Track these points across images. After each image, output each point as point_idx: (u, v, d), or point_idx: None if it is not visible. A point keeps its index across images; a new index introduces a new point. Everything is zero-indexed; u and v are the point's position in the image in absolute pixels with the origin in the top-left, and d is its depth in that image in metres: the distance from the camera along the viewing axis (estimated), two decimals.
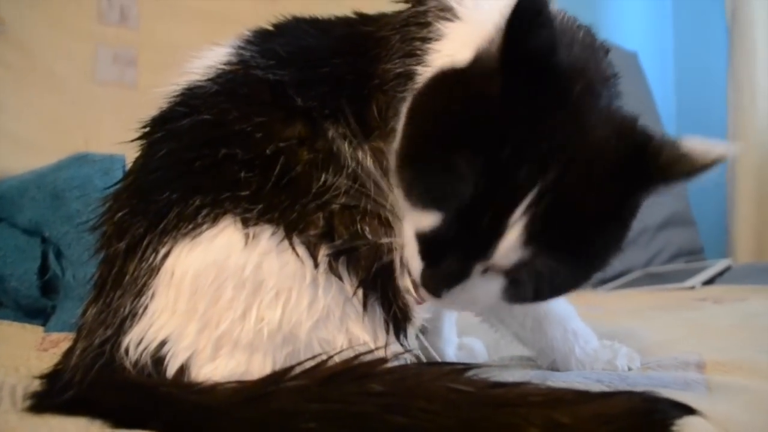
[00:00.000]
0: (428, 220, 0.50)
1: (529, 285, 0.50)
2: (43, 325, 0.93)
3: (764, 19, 2.25)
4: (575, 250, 0.49)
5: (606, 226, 0.51)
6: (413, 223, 0.52)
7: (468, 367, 0.48)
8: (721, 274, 1.86)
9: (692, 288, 1.70)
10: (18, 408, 0.53)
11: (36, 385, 0.54)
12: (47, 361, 0.67)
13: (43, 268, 0.95)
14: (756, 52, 2.25)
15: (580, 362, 0.74)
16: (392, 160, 0.54)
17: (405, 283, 0.55)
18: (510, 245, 0.47)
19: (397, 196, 0.56)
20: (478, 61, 0.50)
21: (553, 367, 0.75)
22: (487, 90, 0.48)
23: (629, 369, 0.74)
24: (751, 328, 0.98)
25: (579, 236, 0.49)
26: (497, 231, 0.47)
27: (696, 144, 0.51)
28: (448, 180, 0.48)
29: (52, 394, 0.52)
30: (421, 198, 0.50)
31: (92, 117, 1.52)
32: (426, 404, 0.45)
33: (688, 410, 0.46)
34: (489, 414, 0.45)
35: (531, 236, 0.47)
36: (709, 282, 1.78)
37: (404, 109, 0.55)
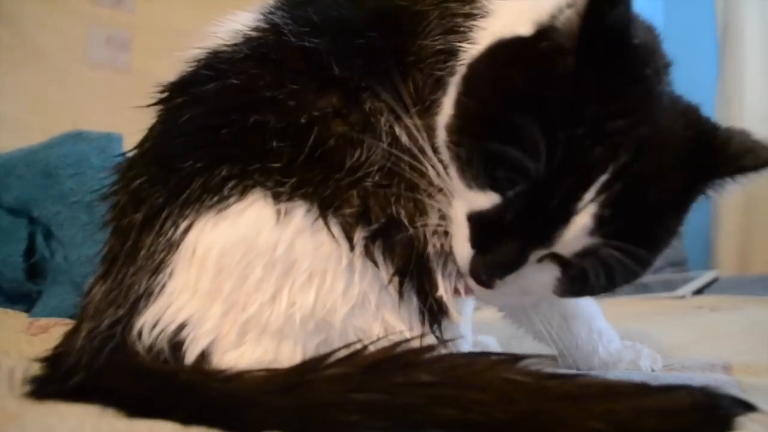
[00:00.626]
0: (484, 200, 0.47)
1: (585, 277, 0.48)
2: (27, 311, 0.87)
3: (755, 34, 2.28)
4: (639, 241, 0.46)
5: (669, 217, 0.49)
6: (466, 203, 0.49)
7: (520, 357, 0.44)
8: (708, 285, 1.88)
9: (682, 297, 1.71)
10: (17, 393, 0.47)
11: (36, 368, 0.49)
12: (39, 346, 0.62)
13: (30, 251, 0.90)
14: (746, 65, 2.28)
15: (604, 362, 0.72)
16: (441, 135, 0.51)
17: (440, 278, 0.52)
18: (577, 232, 0.45)
19: (440, 176, 0.52)
20: (546, 35, 0.47)
21: (575, 366, 0.72)
22: (560, 65, 0.46)
23: (652, 370, 0.72)
24: (760, 333, 0.98)
25: (644, 226, 0.47)
26: (564, 216, 0.45)
27: (763, 136, 0.49)
28: (512, 157, 0.45)
29: (56, 379, 0.47)
30: (479, 176, 0.47)
31: (82, 99, 1.47)
32: (479, 395, 0.41)
33: (749, 407, 0.43)
34: (547, 406, 0.41)
35: (599, 223, 0.45)
36: (698, 292, 1.80)
37: (456, 80, 0.51)
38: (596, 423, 0.40)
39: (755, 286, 1.72)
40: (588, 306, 0.71)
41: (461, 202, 0.49)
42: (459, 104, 0.50)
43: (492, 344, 0.83)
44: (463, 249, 0.49)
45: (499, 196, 0.47)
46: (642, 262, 0.48)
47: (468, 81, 0.50)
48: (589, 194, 0.44)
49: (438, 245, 0.52)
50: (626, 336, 0.77)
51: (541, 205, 0.45)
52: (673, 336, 0.92)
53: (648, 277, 2.00)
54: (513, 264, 0.47)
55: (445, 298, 0.51)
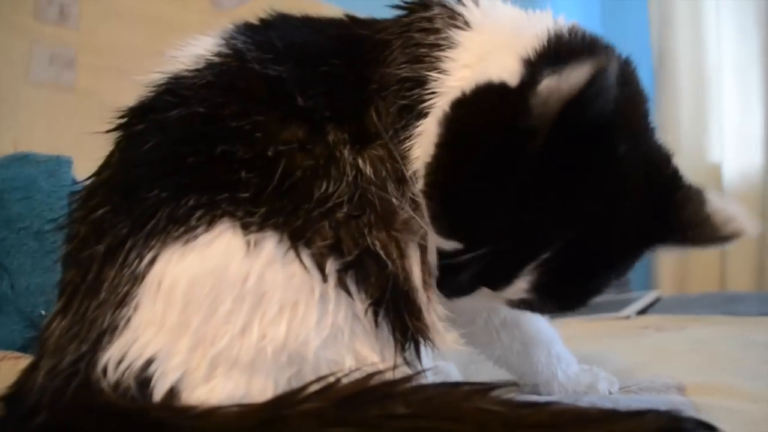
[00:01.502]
0: (449, 245, 0.53)
1: (527, 308, 0.58)
2: None
3: (688, 63, 2.41)
4: (573, 295, 0.56)
5: (610, 275, 0.56)
6: (435, 241, 0.54)
7: (493, 386, 0.45)
8: (651, 305, 1.95)
9: (627, 317, 1.77)
10: None
11: None
12: None
13: None
14: (680, 93, 2.41)
15: (563, 386, 0.74)
16: (419, 171, 0.54)
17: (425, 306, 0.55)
18: (516, 290, 0.53)
19: (405, 209, 0.53)
20: (525, 102, 0.48)
21: (535, 391, 0.74)
22: (531, 142, 0.48)
23: (610, 392, 0.74)
24: (708, 352, 1.01)
25: (582, 284, 0.55)
26: (507, 279, 0.53)
27: (719, 206, 0.54)
28: (473, 224, 0.51)
29: (16, 420, 0.45)
30: (446, 229, 0.53)
31: (24, 119, 1.42)
32: (456, 426, 0.42)
33: (710, 428, 0.45)
34: None
35: (536, 285, 0.53)
36: (642, 312, 1.86)
37: (438, 115, 0.53)
38: None
39: (695, 305, 1.79)
40: (546, 331, 0.73)
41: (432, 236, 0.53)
42: (436, 156, 0.53)
43: (452, 370, 0.83)
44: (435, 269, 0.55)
45: (462, 246, 0.53)
46: (577, 305, 0.57)
47: (450, 123, 0.53)
48: (530, 267, 0.52)
49: (421, 275, 0.54)
50: (581, 358, 0.79)
51: (490, 265, 0.52)
52: (626, 357, 0.95)
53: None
54: (466, 292, 0.55)
55: (430, 325, 0.53)
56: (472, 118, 0.53)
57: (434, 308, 0.55)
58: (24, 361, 0.67)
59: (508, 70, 0.52)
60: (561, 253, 0.51)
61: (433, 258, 0.55)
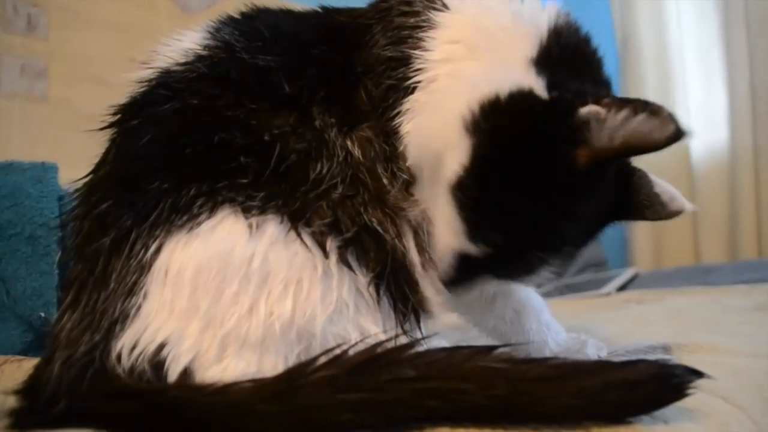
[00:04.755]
0: (476, 250, 0.58)
1: None
2: None
3: (651, 47, 2.48)
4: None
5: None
6: (455, 240, 0.58)
7: (494, 347, 0.47)
8: (630, 281, 2.00)
9: (608, 294, 1.81)
10: None
11: (11, 402, 0.47)
12: None
13: None
14: (645, 76, 2.48)
15: (553, 352, 0.76)
16: (409, 146, 0.57)
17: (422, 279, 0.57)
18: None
19: (396, 186, 0.56)
20: (567, 120, 0.53)
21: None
22: (578, 159, 0.54)
23: (599, 357, 0.77)
24: (686, 318, 1.05)
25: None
26: (537, 271, 0.61)
27: (663, 187, 0.64)
28: (512, 230, 0.57)
29: (38, 409, 0.46)
30: (482, 237, 0.57)
31: None
32: (462, 384, 0.44)
33: (699, 374, 0.48)
34: (524, 388, 0.44)
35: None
36: (622, 288, 1.91)
37: (465, 119, 0.56)
38: (570, 399, 0.44)
39: (671, 279, 1.85)
40: (536, 299, 0.76)
41: (451, 237, 0.58)
42: (474, 167, 0.56)
43: (443, 344, 0.86)
44: (445, 271, 0.59)
45: (489, 248, 0.57)
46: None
47: (486, 139, 0.56)
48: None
49: (417, 251, 0.56)
50: (569, 330, 0.82)
51: (520, 262, 0.60)
52: (611, 328, 0.98)
53: (573, 279, 2.10)
54: (476, 286, 0.62)
55: (429, 297, 0.55)
56: (513, 130, 0.55)
57: (431, 282, 0.57)
58: (27, 363, 0.68)
59: (520, 71, 0.57)
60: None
61: (446, 258, 0.58)
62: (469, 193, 0.56)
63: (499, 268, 0.60)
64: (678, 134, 0.48)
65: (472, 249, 0.57)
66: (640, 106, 0.50)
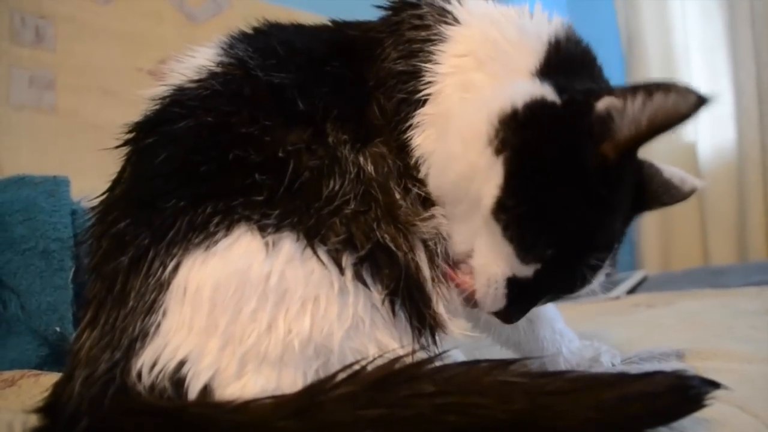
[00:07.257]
0: (527, 270, 0.58)
1: None
2: None
3: (657, 46, 2.47)
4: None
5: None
6: (506, 265, 0.58)
7: (511, 361, 0.47)
8: (639, 284, 2.00)
9: (617, 298, 1.80)
10: None
11: (34, 420, 0.48)
12: (13, 399, 0.60)
13: None
14: (650, 76, 2.45)
15: (568, 361, 0.76)
16: (422, 158, 0.57)
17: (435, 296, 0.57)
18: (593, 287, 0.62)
19: (409, 201, 0.56)
20: (587, 121, 0.55)
21: (542, 368, 0.76)
22: (602, 158, 0.55)
23: (613, 365, 0.77)
24: (698, 322, 1.05)
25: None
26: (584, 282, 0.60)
27: (671, 171, 0.66)
28: (557, 241, 0.56)
29: (60, 428, 0.46)
30: (533, 256, 0.57)
31: (7, 142, 1.42)
32: (480, 399, 0.44)
33: (715, 385, 0.48)
34: (543, 402, 0.44)
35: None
36: (631, 291, 1.91)
37: (490, 135, 0.56)
38: (589, 413, 0.44)
39: (681, 281, 1.84)
40: (548, 308, 0.76)
41: (495, 261, 0.58)
42: (510, 185, 0.56)
43: (459, 356, 0.86)
44: (496, 302, 0.59)
45: (541, 264, 0.57)
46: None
47: (518, 156, 0.56)
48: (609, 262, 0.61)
49: (429, 267, 0.56)
50: (580, 336, 0.82)
51: (571, 274, 0.59)
52: (622, 333, 0.98)
53: None
54: (533, 306, 0.62)
55: (442, 314, 0.55)
56: (539, 140, 0.56)
57: (443, 298, 0.57)
58: (44, 377, 0.68)
59: (527, 82, 0.58)
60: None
61: (497, 289, 0.59)
62: (512, 211, 0.56)
63: (556, 283, 0.60)
64: (702, 100, 0.49)
65: (523, 271, 0.58)
66: (651, 87, 0.51)
